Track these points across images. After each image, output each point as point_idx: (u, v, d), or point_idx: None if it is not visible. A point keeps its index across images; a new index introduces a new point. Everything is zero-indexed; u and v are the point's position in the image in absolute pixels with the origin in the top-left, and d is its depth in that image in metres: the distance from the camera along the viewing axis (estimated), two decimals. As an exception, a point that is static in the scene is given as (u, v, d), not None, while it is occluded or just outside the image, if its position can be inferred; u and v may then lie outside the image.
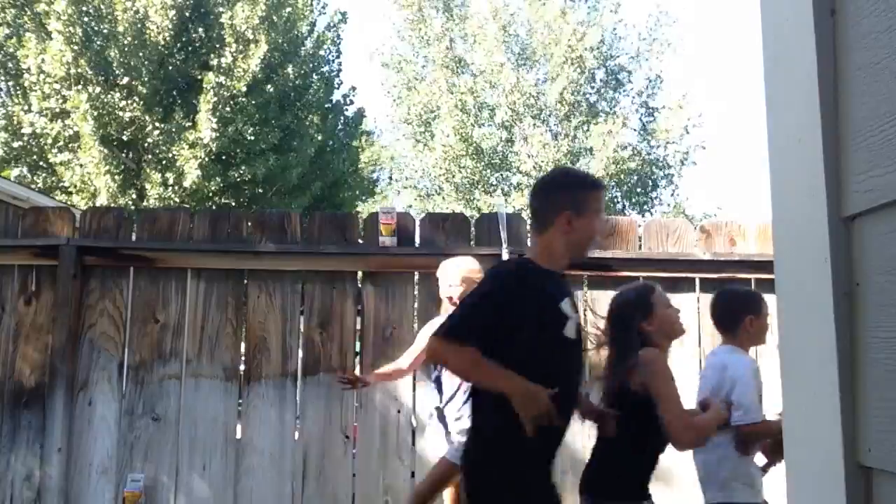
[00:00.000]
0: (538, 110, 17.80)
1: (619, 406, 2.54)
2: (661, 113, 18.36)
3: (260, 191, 13.52)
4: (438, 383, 3.96)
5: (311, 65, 14.29)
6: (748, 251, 4.55)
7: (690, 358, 4.49)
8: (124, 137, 12.51)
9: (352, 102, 15.80)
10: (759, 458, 3.04)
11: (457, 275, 3.83)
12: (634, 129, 18.29)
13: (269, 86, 12.83)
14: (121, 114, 12.03)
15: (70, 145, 12.20)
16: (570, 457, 4.42)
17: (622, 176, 17.46)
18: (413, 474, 4.38)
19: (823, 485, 0.99)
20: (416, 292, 4.65)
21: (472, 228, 4.71)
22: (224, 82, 12.14)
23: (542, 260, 2.36)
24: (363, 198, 17.09)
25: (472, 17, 18.28)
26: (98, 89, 11.81)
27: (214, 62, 12.30)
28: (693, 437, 2.55)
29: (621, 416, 2.53)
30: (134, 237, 4.58)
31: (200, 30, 12.93)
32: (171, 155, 12.03)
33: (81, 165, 12.01)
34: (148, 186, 12.17)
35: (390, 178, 20.09)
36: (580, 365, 2.54)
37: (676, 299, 4.53)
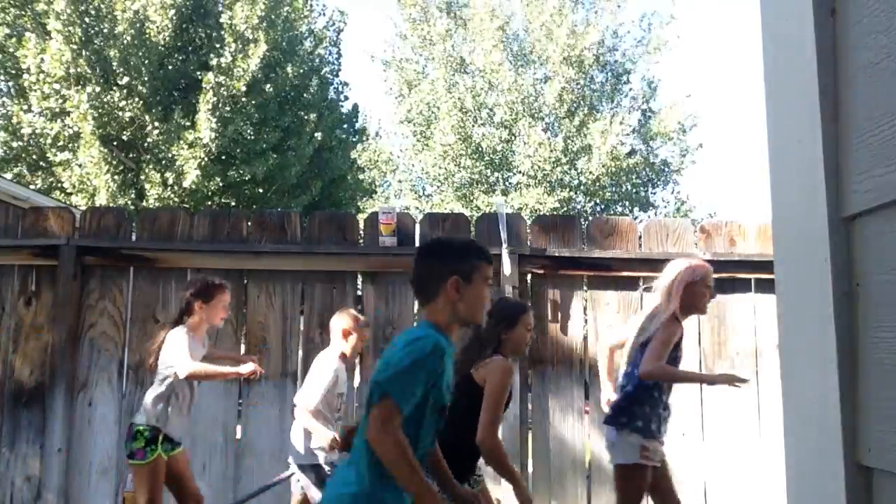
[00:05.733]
0: (537, 109, 17.80)
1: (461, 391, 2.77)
2: (660, 112, 18.38)
3: (259, 190, 13.52)
4: None
5: (310, 64, 14.28)
6: (748, 251, 4.55)
7: (691, 357, 4.50)
8: (124, 137, 12.51)
9: (346, 98, 15.78)
10: None
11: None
12: (633, 128, 18.28)
13: (268, 85, 12.83)
14: (120, 113, 12.03)
15: (70, 145, 12.20)
16: (571, 458, 4.43)
17: (621, 175, 17.45)
18: (413, 474, 4.38)
19: (823, 485, 0.99)
20: (415, 292, 4.65)
21: (472, 228, 4.72)
22: (224, 82, 12.14)
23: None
24: (363, 197, 17.09)
25: (473, 18, 18.29)
26: (98, 89, 11.80)
27: (214, 62, 12.29)
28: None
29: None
30: (134, 237, 4.59)
31: (200, 30, 12.93)
32: (170, 155, 12.02)
33: (80, 165, 12.00)
34: (147, 186, 12.16)
35: (388, 179, 20.08)
36: None
37: (676, 299, 4.54)
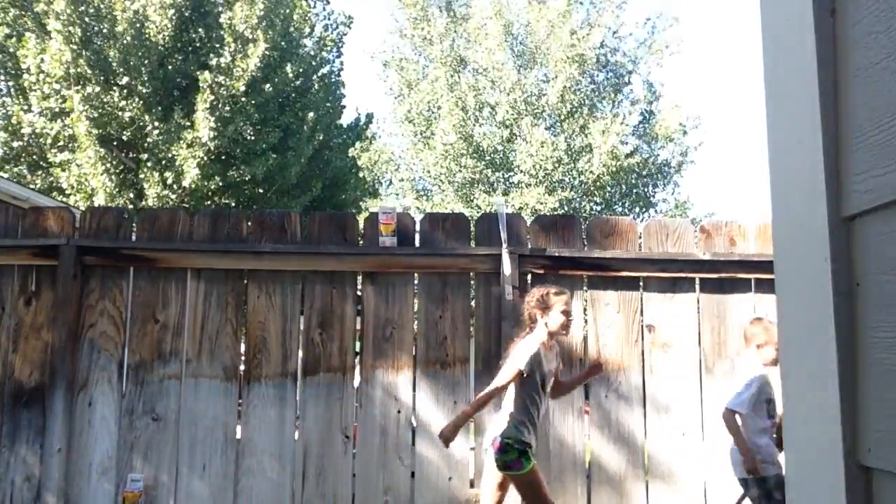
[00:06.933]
0: (539, 109, 17.80)
1: None
2: (661, 113, 18.39)
3: (259, 190, 13.51)
4: None
5: (310, 64, 14.27)
6: (748, 251, 4.55)
7: (691, 357, 4.50)
8: (124, 137, 12.50)
9: (343, 96, 15.77)
10: None
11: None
12: (634, 129, 18.29)
13: (267, 85, 12.82)
14: (120, 113, 12.03)
15: (70, 145, 12.20)
16: (571, 458, 4.42)
17: (622, 174, 17.46)
18: (413, 474, 4.38)
19: (823, 485, 0.99)
20: (415, 292, 4.65)
21: (472, 228, 4.71)
22: (223, 82, 12.14)
23: None
24: (364, 197, 17.09)
25: (474, 17, 18.29)
26: (97, 89, 11.80)
27: (213, 62, 12.29)
28: None
29: None
30: (134, 237, 4.59)
31: (200, 29, 12.93)
32: (170, 155, 12.02)
33: (78, 165, 12.00)
34: (146, 186, 12.16)
35: (391, 179, 20.06)
36: None
37: (676, 299, 4.54)
